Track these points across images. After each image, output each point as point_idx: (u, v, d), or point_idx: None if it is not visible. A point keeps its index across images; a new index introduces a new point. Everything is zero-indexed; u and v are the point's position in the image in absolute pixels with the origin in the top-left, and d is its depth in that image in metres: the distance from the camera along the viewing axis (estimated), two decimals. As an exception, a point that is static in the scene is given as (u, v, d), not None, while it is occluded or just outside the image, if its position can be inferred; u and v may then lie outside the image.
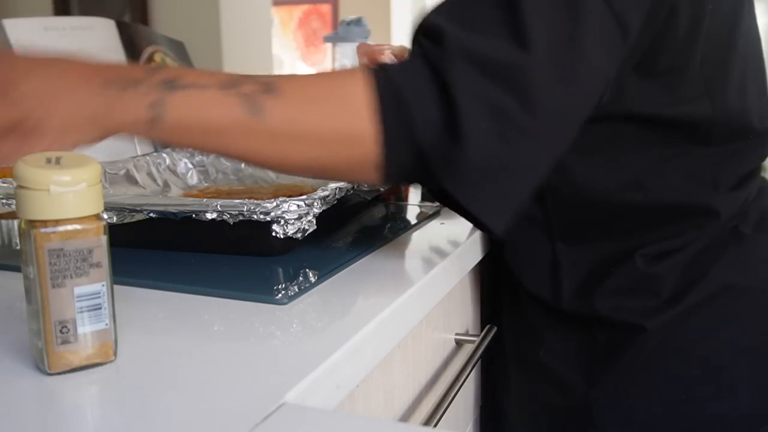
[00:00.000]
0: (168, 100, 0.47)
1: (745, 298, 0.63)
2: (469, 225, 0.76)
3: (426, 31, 0.51)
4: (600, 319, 0.65)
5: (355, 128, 0.49)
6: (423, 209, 0.81)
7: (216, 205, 0.57)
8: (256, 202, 0.57)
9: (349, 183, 0.58)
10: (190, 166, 0.89)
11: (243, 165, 0.91)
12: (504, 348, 0.77)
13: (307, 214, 0.57)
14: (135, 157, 0.85)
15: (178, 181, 0.87)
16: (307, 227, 0.58)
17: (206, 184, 0.88)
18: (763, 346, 0.63)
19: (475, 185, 0.49)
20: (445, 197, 0.52)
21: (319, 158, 0.50)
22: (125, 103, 0.46)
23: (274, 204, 0.56)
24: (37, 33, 1.00)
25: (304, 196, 0.58)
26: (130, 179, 0.81)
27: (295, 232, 0.57)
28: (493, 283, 0.83)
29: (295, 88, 0.50)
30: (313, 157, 0.50)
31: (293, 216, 0.57)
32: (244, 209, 0.56)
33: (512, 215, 0.51)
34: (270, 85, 0.49)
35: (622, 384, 0.65)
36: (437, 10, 0.52)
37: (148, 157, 0.85)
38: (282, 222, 0.57)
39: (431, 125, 0.48)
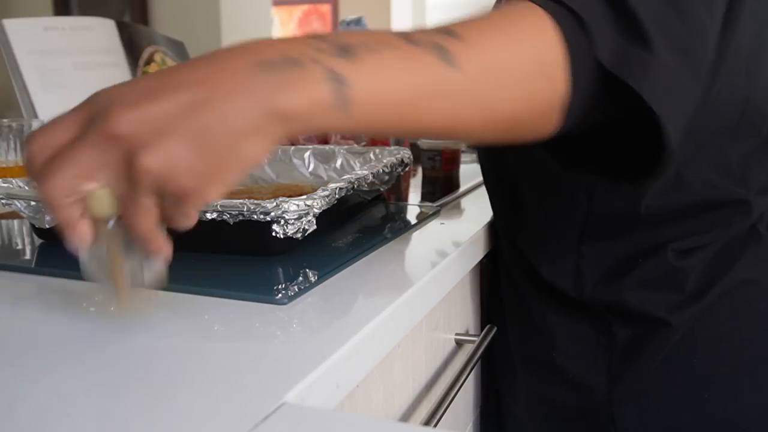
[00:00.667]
0: (349, 69, 0.37)
1: (765, 296, 0.64)
2: (468, 225, 0.76)
3: None
4: (622, 314, 0.65)
5: (550, 57, 0.43)
6: (423, 209, 0.81)
7: (216, 205, 0.57)
8: (256, 202, 0.57)
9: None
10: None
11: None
12: (509, 349, 0.77)
13: (307, 214, 0.57)
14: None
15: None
16: (307, 227, 0.58)
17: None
18: None
19: (664, 86, 0.44)
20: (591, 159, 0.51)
21: (524, 106, 0.43)
22: (297, 85, 0.36)
23: (274, 204, 0.56)
24: (37, 33, 1.00)
25: (304, 196, 0.58)
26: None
27: (295, 232, 0.57)
28: (494, 283, 0.83)
29: (474, 25, 0.43)
30: (518, 108, 0.43)
31: (293, 216, 0.57)
32: (244, 209, 0.56)
33: (683, 134, 0.47)
34: (449, 30, 0.42)
35: (644, 382, 0.65)
36: None
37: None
38: (282, 222, 0.57)
39: (611, 34, 0.44)
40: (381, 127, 0.40)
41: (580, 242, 0.67)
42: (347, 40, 0.38)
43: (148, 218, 0.37)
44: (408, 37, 0.40)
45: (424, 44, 0.40)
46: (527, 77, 0.42)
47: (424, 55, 0.39)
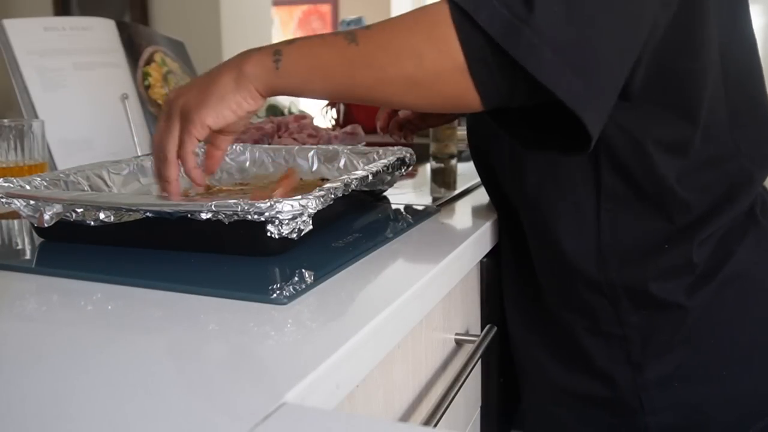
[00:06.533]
0: (285, 48, 0.57)
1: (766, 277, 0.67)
2: (468, 225, 0.76)
3: None
4: (639, 298, 0.66)
5: (438, 32, 0.52)
6: (423, 209, 0.81)
7: (210, 206, 0.57)
8: (250, 202, 0.57)
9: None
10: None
11: (248, 164, 0.91)
12: (528, 343, 0.77)
13: (302, 214, 0.57)
14: (138, 156, 0.85)
15: (181, 180, 0.86)
16: (302, 227, 0.58)
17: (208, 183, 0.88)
18: None
19: (554, 63, 0.49)
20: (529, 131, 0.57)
21: (410, 70, 0.53)
22: (254, 59, 0.58)
23: (268, 204, 0.56)
24: (37, 33, 1.00)
25: (299, 196, 0.58)
26: (133, 179, 0.81)
27: (290, 232, 0.57)
28: (494, 283, 0.83)
29: (385, 21, 0.57)
30: (405, 69, 0.53)
31: (287, 216, 0.56)
32: (239, 209, 0.56)
33: (603, 113, 0.52)
34: (368, 25, 0.57)
35: (665, 365, 0.67)
36: None
37: (150, 157, 0.85)
38: (276, 222, 0.57)
39: (501, 6, 0.51)
40: (307, 83, 0.57)
41: (599, 211, 0.67)
42: (299, 38, 0.59)
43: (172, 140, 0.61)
44: (339, 32, 0.57)
45: (343, 34, 0.56)
46: (412, 46, 0.53)
47: (338, 39, 0.56)
